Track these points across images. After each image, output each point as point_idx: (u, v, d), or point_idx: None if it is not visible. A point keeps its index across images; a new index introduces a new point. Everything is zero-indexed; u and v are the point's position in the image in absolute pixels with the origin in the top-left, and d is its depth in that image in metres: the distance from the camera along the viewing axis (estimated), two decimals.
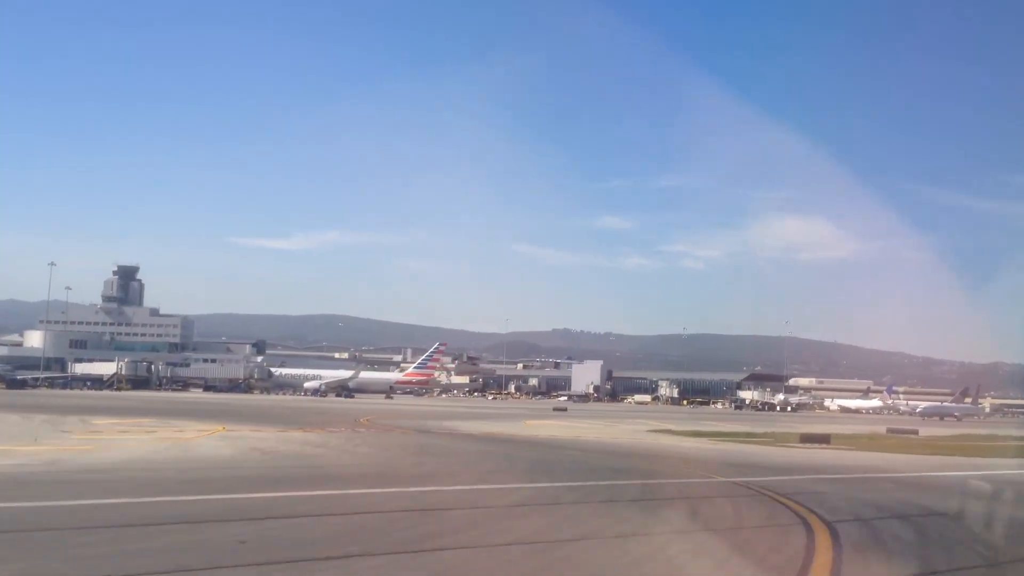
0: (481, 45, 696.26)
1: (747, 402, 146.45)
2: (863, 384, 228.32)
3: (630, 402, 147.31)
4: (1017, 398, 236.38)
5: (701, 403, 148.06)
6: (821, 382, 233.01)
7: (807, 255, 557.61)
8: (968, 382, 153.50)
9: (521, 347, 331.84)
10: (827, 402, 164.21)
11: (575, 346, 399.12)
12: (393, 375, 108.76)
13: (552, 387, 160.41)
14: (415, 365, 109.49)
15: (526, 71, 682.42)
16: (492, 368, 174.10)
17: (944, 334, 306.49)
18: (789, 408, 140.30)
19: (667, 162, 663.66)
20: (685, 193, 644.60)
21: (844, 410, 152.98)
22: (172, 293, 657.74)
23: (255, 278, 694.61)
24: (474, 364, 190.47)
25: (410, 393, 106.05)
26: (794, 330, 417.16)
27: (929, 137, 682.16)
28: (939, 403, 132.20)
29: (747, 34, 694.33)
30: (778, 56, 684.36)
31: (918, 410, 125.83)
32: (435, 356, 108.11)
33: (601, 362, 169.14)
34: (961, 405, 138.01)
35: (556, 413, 73.70)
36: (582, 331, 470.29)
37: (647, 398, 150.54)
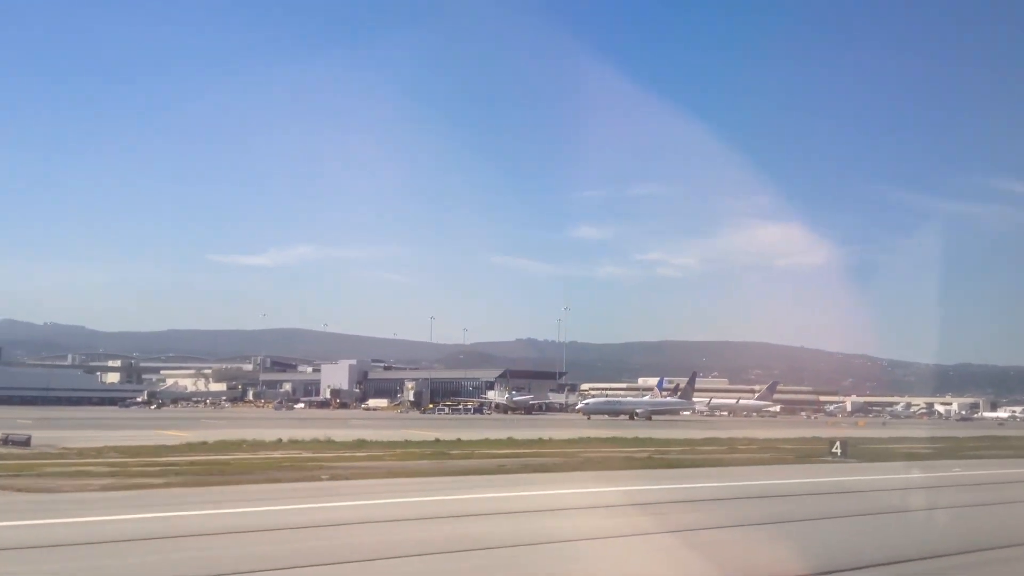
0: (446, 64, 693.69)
1: (492, 404, 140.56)
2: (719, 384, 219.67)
3: (365, 407, 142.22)
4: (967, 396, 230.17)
5: (452, 406, 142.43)
6: (671, 382, 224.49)
7: (783, 261, 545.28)
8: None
9: (477, 358, 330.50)
10: None
11: (537, 355, 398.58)
12: None
13: (308, 392, 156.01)
14: None
15: (496, 86, 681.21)
16: (255, 373, 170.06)
17: (913, 337, 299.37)
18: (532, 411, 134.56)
19: (641, 171, 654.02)
20: (660, 201, 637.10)
21: None
22: (148, 310, 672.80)
23: (223, 294, 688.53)
24: (283, 370, 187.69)
25: None
26: (762, 335, 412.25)
27: (904, 141, 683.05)
28: (608, 398, 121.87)
29: (716, 41, 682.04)
30: (752, 63, 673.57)
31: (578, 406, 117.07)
32: None
33: (353, 362, 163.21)
34: (642, 400, 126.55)
35: None
36: (546, 340, 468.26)
37: (384, 402, 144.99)
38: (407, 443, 41.73)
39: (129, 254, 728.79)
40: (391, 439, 44.42)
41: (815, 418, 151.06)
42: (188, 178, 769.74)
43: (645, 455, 37.74)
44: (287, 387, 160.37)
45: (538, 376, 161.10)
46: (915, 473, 33.22)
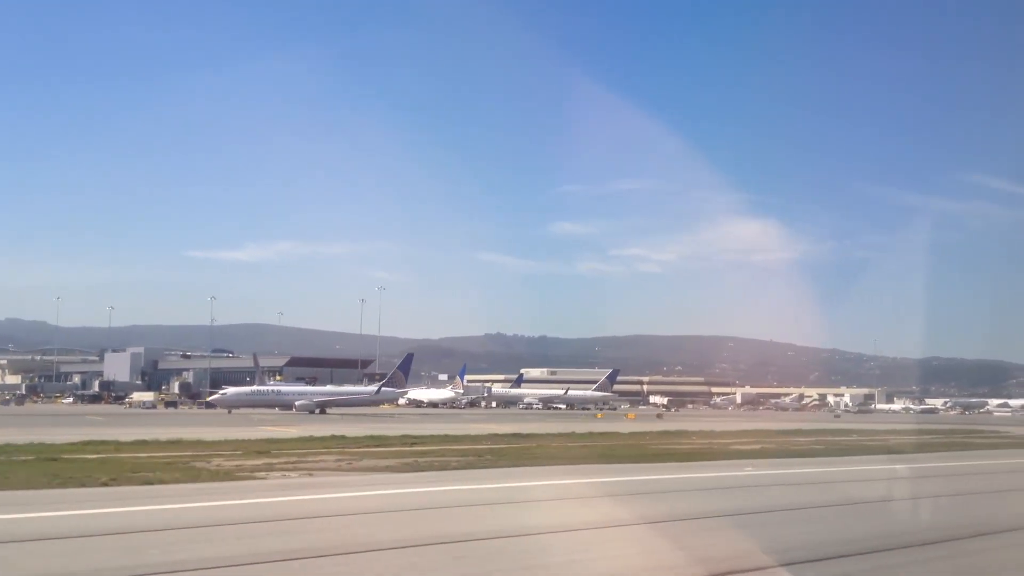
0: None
1: None
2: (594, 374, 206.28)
3: (128, 401, 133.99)
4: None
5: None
6: (554, 372, 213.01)
7: (760, 257, 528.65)
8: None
9: (438, 352, 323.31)
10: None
11: (502, 350, 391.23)
12: None
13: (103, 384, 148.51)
14: None
15: (477, 83, 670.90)
16: (52, 362, 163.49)
17: (885, 331, 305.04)
18: None
19: (622, 167, 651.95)
20: (642, 198, 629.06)
21: (412, 403, 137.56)
22: (117, 306, 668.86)
23: (197, 289, 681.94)
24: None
25: None
26: (733, 330, 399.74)
27: (885, 138, 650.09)
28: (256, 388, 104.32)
29: (698, 38, 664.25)
30: (735, 60, 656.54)
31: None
32: None
33: (138, 350, 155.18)
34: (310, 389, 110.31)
35: None
36: (515, 335, 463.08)
37: (150, 395, 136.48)
38: None
39: (104, 251, 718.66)
40: None
41: (675, 411, 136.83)
42: (166, 175, 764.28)
43: None
44: (76, 379, 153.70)
45: (340, 365, 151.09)
46: None
